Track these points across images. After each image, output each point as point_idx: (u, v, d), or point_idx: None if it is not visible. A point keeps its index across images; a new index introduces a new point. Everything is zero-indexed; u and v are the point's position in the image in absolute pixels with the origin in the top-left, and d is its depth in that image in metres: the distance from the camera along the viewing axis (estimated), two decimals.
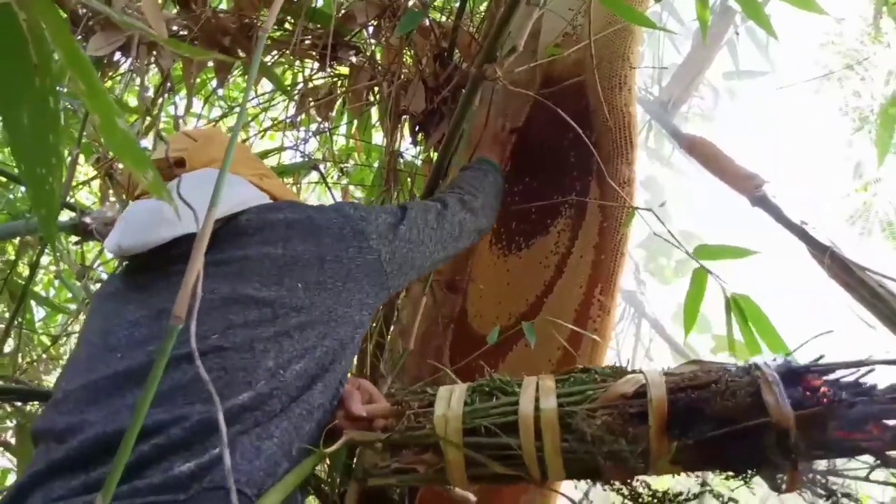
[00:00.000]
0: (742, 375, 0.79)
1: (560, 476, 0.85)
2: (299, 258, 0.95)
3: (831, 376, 0.75)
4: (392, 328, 1.66)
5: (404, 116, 1.88)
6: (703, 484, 0.85)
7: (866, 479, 0.72)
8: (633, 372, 0.88)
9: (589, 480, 0.88)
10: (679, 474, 0.83)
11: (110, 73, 1.64)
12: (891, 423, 0.71)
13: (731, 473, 0.80)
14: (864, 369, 0.74)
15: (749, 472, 0.79)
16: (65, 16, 1.45)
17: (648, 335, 2.52)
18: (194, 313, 0.54)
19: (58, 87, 0.59)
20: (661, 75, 2.25)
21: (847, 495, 0.72)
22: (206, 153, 1.10)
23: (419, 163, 2.03)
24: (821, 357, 0.78)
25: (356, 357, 1.79)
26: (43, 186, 0.59)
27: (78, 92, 0.54)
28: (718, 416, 0.77)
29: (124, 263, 1.09)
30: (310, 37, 1.88)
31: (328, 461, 1.63)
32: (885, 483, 0.72)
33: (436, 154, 1.64)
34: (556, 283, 1.58)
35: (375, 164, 2.32)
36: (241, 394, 0.81)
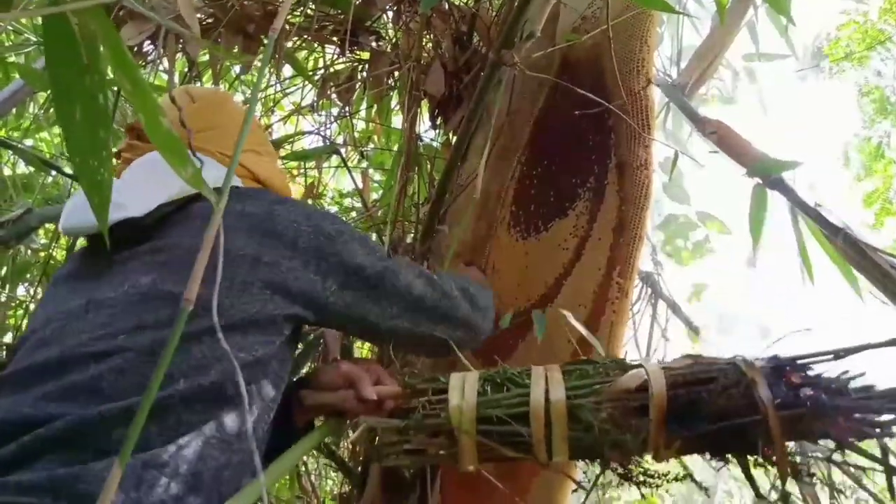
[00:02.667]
0: (734, 373, 0.85)
1: (564, 458, 0.91)
2: (233, 253, 0.84)
3: (811, 373, 0.83)
4: None
5: (423, 100, 1.91)
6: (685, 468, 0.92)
7: (828, 460, 0.80)
8: (635, 366, 0.94)
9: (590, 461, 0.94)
10: (671, 459, 0.90)
11: (140, 63, 1.68)
12: (857, 416, 0.78)
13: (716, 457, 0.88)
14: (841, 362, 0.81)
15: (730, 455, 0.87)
16: None
17: (665, 315, 2.55)
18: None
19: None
20: (680, 57, 2.24)
21: (811, 475, 0.81)
22: (203, 118, 1.01)
23: (438, 146, 2.06)
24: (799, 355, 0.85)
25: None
26: (95, 177, 0.63)
27: (124, 91, 0.58)
28: (714, 413, 0.84)
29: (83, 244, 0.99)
30: (331, 22, 1.91)
31: (350, 443, 1.68)
32: (843, 463, 0.79)
33: (455, 137, 1.67)
34: (574, 266, 1.60)
35: (395, 148, 2.35)
36: (132, 397, 0.73)
